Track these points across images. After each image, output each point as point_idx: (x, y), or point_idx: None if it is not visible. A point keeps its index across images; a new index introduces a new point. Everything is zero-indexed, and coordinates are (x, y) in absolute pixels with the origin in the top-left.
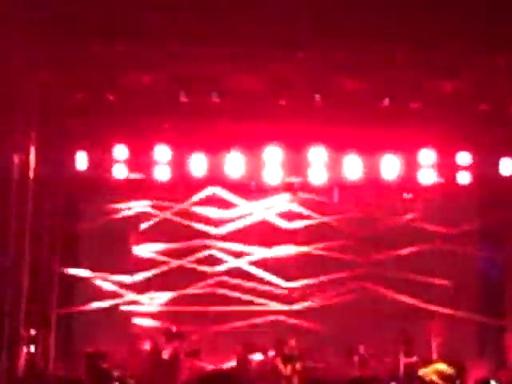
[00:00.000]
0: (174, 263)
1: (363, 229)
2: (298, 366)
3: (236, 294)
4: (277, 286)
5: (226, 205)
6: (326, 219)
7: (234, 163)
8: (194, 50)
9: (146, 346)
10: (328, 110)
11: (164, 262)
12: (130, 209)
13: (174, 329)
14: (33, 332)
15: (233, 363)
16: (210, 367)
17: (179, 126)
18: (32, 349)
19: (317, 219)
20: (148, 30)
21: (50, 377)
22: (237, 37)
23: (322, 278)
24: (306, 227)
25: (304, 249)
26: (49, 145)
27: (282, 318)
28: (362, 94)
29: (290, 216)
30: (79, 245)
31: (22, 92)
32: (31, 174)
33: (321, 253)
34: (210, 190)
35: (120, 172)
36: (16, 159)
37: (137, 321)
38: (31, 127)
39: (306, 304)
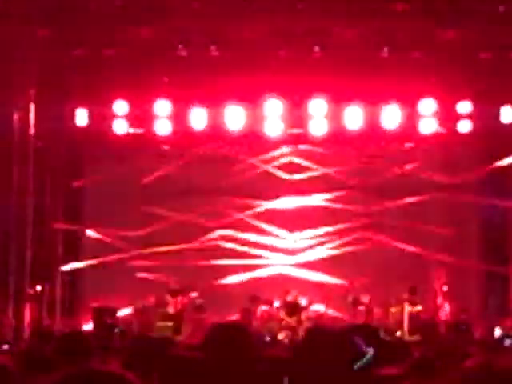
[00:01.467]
0: (179, 218)
1: (365, 179)
2: (303, 316)
3: (241, 248)
4: (281, 238)
5: (228, 159)
6: (327, 170)
7: (234, 116)
8: (192, 2)
9: (151, 300)
10: (328, 61)
11: (168, 217)
12: (132, 163)
13: (179, 283)
14: (38, 288)
15: (237, 316)
16: (214, 320)
17: (179, 80)
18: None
19: (319, 171)
20: None
21: (56, 333)
22: None
23: (327, 229)
24: (309, 179)
25: (308, 200)
26: (48, 101)
27: (286, 269)
28: (362, 43)
29: (291, 168)
30: (83, 201)
31: (20, 49)
32: (31, 131)
33: (325, 204)
34: (211, 145)
35: (121, 127)
36: (16, 116)
37: (142, 275)
38: (30, 84)
39: (310, 255)
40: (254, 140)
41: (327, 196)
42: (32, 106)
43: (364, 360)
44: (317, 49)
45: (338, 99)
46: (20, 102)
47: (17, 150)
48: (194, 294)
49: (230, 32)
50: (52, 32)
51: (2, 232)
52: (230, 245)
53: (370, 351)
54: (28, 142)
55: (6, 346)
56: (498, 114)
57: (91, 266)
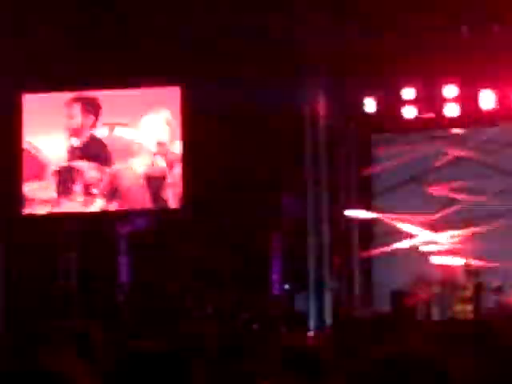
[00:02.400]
0: (471, 201)
1: None
2: None
3: None
4: None
5: None
6: None
7: None
8: None
9: (448, 284)
10: None
11: (460, 200)
12: (421, 148)
13: (473, 265)
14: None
15: None
16: None
17: (465, 62)
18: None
19: None
20: None
21: (357, 319)
22: None
23: None
24: None
25: None
26: (338, 90)
27: None
28: None
29: None
30: (373, 187)
31: (309, 43)
32: (322, 122)
33: None
34: (503, 125)
35: (410, 112)
36: (306, 108)
37: (435, 260)
38: (320, 75)
39: None
40: None
41: None
42: (321, 96)
43: None
44: None
45: None
46: (310, 92)
47: (308, 140)
48: (492, 276)
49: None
50: (336, 21)
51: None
52: None
53: None
54: (318, 131)
55: (310, 333)
56: None
57: (386, 251)
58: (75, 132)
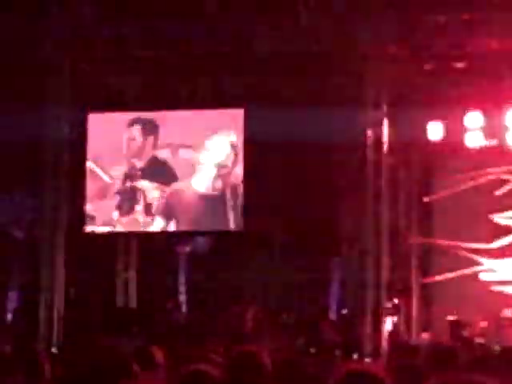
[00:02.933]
0: None
1: None
2: None
3: None
4: None
5: None
6: None
7: None
8: None
9: (507, 313)
10: None
11: None
12: (484, 176)
13: None
14: (395, 301)
15: None
16: None
17: None
18: (395, 319)
19: None
20: None
21: (414, 347)
22: None
23: None
24: None
25: None
26: (401, 116)
27: None
28: None
29: None
30: (435, 214)
31: (371, 66)
32: (385, 148)
33: None
34: None
35: (474, 139)
36: (370, 132)
37: (496, 288)
38: (383, 100)
39: None
40: None
41: None
42: (385, 122)
43: None
44: None
45: None
46: (374, 118)
47: (371, 165)
48: None
49: None
50: (400, 49)
51: (361, 247)
52: None
53: None
54: (381, 157)
55: (367, 359)
56: None
57: (445, 279)
58: (137, 153)
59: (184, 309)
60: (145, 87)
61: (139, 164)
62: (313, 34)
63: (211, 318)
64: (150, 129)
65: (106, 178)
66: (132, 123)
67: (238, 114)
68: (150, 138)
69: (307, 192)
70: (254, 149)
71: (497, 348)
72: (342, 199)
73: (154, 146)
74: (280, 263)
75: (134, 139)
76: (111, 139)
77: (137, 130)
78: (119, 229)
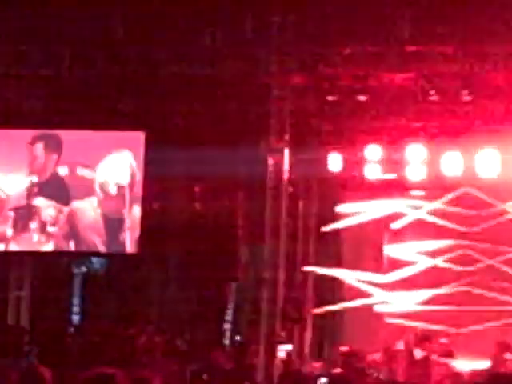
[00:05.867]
0: (427, 263)
1: None
2: None
3: (491, 294)
4: None
5: (479, 204)
6: None
7: (489, 162)
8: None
9: (400, 346)
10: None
11: (416, 262)
12: (382, 209)
13: (423, 329)
14: (288, 330)
15: (487, 363)
16: (464, 368)
17: (431, 125)
18: (288, 347)
19: None
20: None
21: (306, 375)
22: None
23: None
24: None
25: None
26: (302, 147)
27: None
28: None
29: None
30: (332, 245)
31: (274, 96)
32: (285, 176)
33: None
34: (463, 190)
35: (373, 172)
36: (271, 161)
37: (389, 321)
38: (284, 130)
39: None
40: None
41: None
42: (286, 152)
43: None
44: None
45: None
46: (275, 147)
47: (271, 194)
48: (443, 340)
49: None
50: (305, 80)
51: (256, 275)
52: (480, 291)
53: None
54: (281, 186)
55: None
56: None
57: (340, 309)
58: (38, 170)
59: (76, 331)
60: (46, 105)
61: (36, 180)
62: (217, 61)
63: (104, 341)
64: (53, 146)
65: (1, 194)
66: (34, 141)
67: (138, 136)
68: (54, 156)
69: (206, 216)
70: (152, 171)
71: (387, 380)
72: (240, 225)
73: (56, 164)
74: (175, 287)
75: (36, 157)
76: (10, 156)
77: (39, 147)
78: (13, 247)
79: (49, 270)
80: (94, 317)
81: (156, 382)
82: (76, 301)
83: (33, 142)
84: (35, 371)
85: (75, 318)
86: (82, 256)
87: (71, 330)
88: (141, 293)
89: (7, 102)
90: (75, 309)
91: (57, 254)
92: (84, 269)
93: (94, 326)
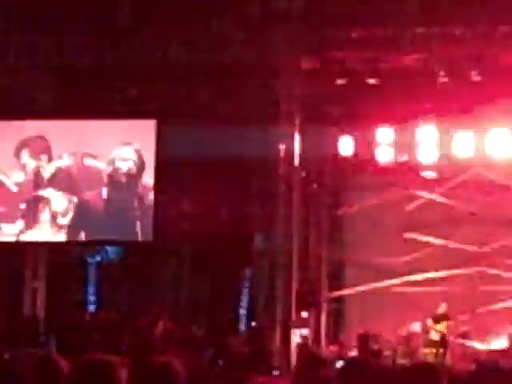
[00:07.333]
0: (441, 244)
1: None
2: None
3: (506, 274)
4: None
5: (490, 186)
6: None
7: (498, 141)
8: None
9: (416, 327)
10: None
11: (429, 243)
12: (394, 191)
13: (442, 309)
14: (304, 315)
15: (504, 343)
16: (480, 348)
17: (441, 106)
18: (304, 332)
19: None
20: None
21: (322, 359)
22: None
23: None
24: None
25: None
26: (313, 131)
27: None
28: None
29: None
30: (345, 228)
31: (285, 80)
32: (296, 161)
33: None
34: (475, 170)
35: (384, 154)
36: (282, 146)
37: (406, 302)
38: (295, 115)
39: None
40: None
41: None
42: (297, 136)
43: None
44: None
45: None
46: (286, 132)
47: (282, 180)
48: (460, 321)
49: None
50: (315, 63)
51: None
52: (495, 271)
53: None
54: (293, 171)
55: (276, 372)
56: None
57: (356, 292)
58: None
59: (91, 319)
60: (54, 96)
61: (44, 174)
62: (226, 46)
63: (120, 329)
64: (39, 150)
65: (11, 186)
66: (18, 151)
67: (149, 124)
68: (43, 156)
69: (219, 203)
70: (165, 159)
71: (404, 362)
72: (253, 211)
73: (50, 160)
74: (190, 274)
75: (25, 166)
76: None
77: (25, 155)
78: (25, 238)
79: (63, 260)
80: (110, 305)
81: (176, 365)
82: (91, 290)
83: (16, 153)
84: (52, 361)
85: (91, 307)
86: (97, 245)
87: (87, 318)
88: (156, 281)
89: (17, 93)
90: (91, 298)
91: (72, 244)
92: (98, 258)
93: (109, 314)
